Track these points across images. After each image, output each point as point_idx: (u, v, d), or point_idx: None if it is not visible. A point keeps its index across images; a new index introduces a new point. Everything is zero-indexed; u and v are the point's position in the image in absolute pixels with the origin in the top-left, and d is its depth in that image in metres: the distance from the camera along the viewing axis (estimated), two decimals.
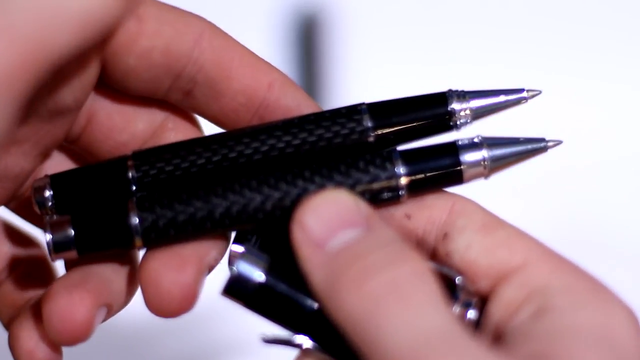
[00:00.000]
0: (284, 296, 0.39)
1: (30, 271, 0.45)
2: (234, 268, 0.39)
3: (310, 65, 0.88)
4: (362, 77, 0.88)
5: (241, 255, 0.39)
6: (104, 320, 0.42)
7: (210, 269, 0.41)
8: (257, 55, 0.43)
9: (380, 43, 0.88)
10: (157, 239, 0.40)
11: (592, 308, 0.37)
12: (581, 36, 0.88)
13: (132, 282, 0.43)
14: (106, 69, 0.41)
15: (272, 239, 0.41)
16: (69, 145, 0.44)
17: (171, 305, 0.40)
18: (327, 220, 0.39)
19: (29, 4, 0.34)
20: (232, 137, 0.41)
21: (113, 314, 0.42)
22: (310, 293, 0.38)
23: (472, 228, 0.40)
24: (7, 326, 0.45)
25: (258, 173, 0.41)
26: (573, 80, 0.87)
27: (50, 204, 0.41)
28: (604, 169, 0.84)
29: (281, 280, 0.39)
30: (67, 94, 0.40)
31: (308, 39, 0.88)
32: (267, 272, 0.39)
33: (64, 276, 0.42)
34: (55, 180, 0.41)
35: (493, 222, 0.40)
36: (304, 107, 0.42)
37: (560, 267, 0.39)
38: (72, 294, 0.40)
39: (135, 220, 0.40)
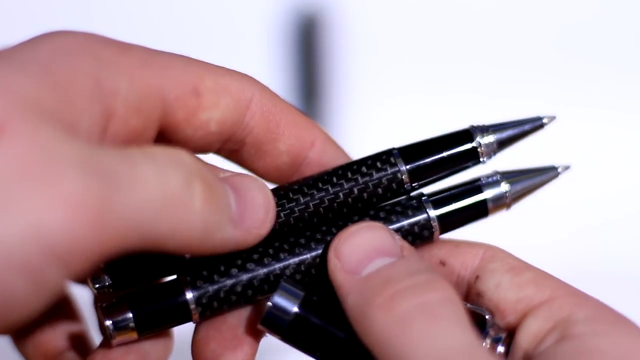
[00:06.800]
0: (318, 327, 0.41)
1: (61, 320, 0.46)
2: (269, 302, 0.41)
3: (310, 66, 0.89)
4: (362, 78, 0.88)
5: (278, 289, 0.41)
6: None
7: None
8: (301, 114, 0.44)
9: (381, 44, 0.88)
10: (212, 312, 0.42)
11: (615, 336, 0.39)
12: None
13: (166, 351, 0.44)
14: (162, 137, 0.42)
15: (311, 278, 0.42)
16: None
17: None
18: (362, 249, 0.41)
19: (140, 192, 0.35)
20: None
21: None
22: (345, 325, 0.40)
23: (501, 270, 0.42)
24: None
25: (293, 231, 0.42)
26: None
27: (107, 282, 0.42)
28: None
29: (316, 312, 0.41)
30: None
31: (308, 39, 0.89)
32: (302, 305, 0.41)
33: (104, 349, 0.42)
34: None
35: (522, 265, 0.42)
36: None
37: (584, 301, 0.40)
38: None
39: (191, 295, 0.41)
